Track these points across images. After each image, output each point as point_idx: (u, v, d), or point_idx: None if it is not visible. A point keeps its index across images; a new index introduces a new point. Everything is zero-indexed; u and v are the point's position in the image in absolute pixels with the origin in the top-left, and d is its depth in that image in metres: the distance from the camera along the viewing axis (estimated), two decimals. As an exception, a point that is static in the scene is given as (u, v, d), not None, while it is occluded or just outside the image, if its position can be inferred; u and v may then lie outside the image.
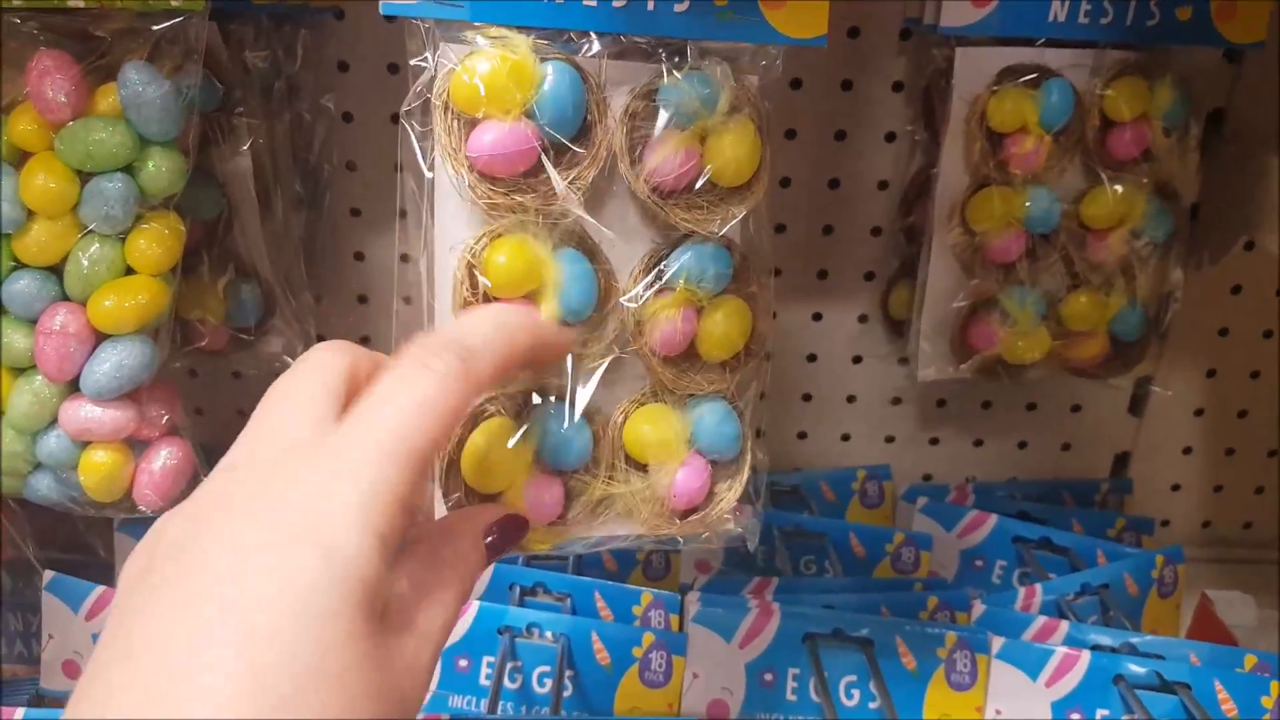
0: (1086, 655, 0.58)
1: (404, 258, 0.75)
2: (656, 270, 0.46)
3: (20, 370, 0.54)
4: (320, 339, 0.68)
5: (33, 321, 0.54)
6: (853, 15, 0.68)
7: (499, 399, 0.45)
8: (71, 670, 0.61)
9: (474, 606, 0.61)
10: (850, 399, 0.82)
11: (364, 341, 0.77)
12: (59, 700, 0.62)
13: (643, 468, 0.48)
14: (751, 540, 0.50)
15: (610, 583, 0.65)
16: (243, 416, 0.73)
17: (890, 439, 0.84)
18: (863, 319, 0.79)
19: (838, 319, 0.79)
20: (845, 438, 0.83)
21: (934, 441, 0.84)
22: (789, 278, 0.77)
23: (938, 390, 0.82)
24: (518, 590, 0.65)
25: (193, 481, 0.56)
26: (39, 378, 0.53)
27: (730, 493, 0.49)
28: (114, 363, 0.52)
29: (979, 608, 0.64)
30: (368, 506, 0.29)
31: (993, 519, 0.74)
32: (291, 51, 0.65)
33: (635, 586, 0.65)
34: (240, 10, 0.59)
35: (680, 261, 0.46)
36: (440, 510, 0.45)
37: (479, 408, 0.45)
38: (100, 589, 0.61)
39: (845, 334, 0.79)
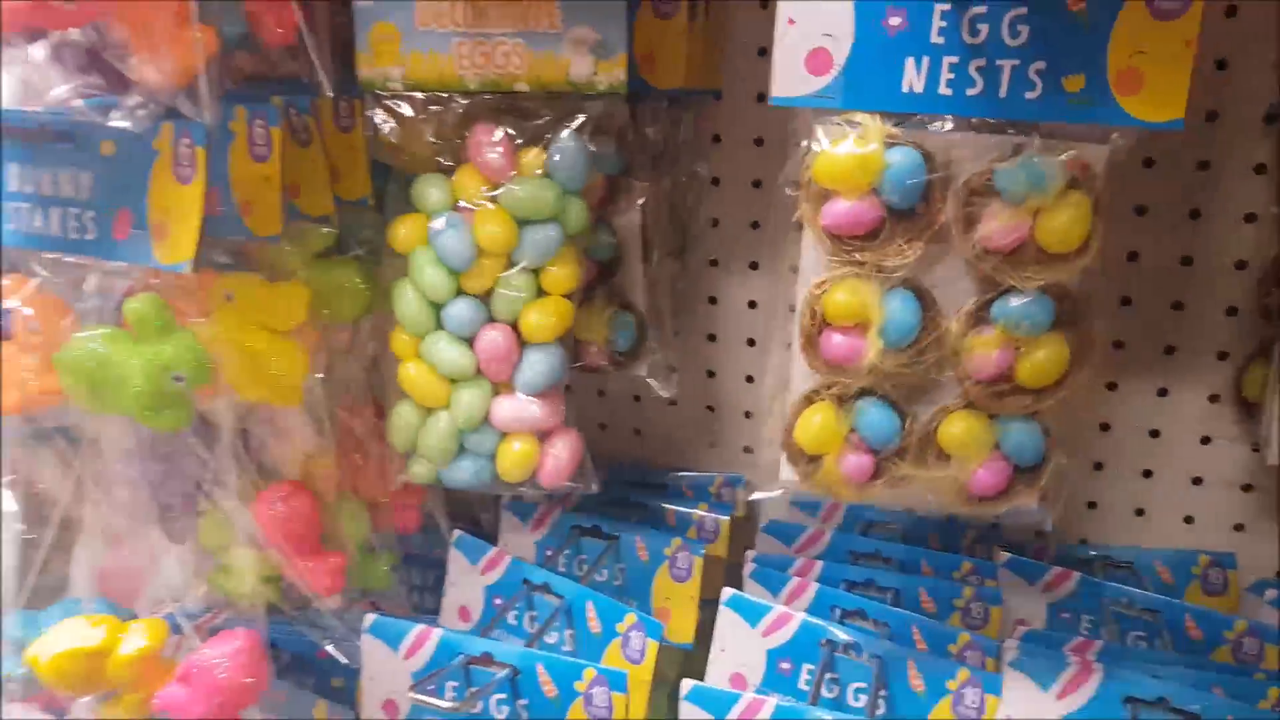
0: None
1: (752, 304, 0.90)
2: (978, 314, 0.58)
3: (454, 380, 0.73)
4: (674, 370, 0.84)
5: (466, 338, 0.72)
6: (1211, 99, 0.74)
7: (827, 390, 0.61)
8: (465, 615, 0.81)
9: (798, 619, 0.72)
10: (1196, 480, 0.84)
11: (710, 376, 0.93)
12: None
13: (949, 459, 0.60)
14: (1045, 522, 0.62)
15: (928, 620, 0.74)
16: (604, 430, 0.94)
17: (1239, 527, 0.85)
18: (1213, 399, 0.82)
19: (1185, 396, 0.82)
20: (1188, 520, 0.86)
21: (1289, 534, 0.84)
22: (1133, 351, 0.82)
23: (1296, 479, 0.83)
24: (839, 612, 0.76)
25: (581, 466, 0.73)
26: (476, 382, 0.72)
27: (1028, 490, 0.59)
28: (540, 364, 0.71)
29: (1328, 708, 0.66)
30: None
31: (1355, 622, 0.74)
32: (678, 126, 0.82)
33: (954, 627, 0.74)
34: (644, 92, 0.76)
35: (1002, 308, 0.57)
36: (786, 470, 0.60)
37: (811, 393, 0.62)
38: (493, 549, 0.81)
39: (1193, 412, 0.82)
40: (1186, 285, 0.80)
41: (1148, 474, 0.85)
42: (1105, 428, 0.85)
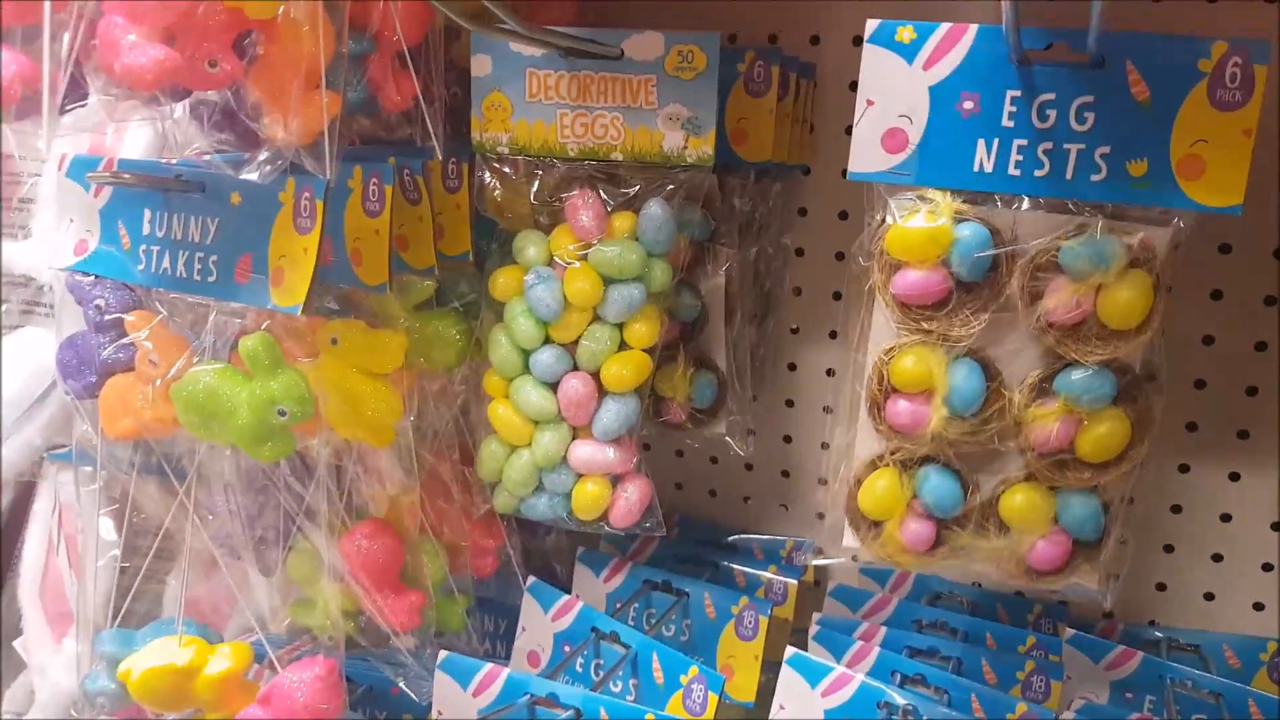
0: None
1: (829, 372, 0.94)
2: (1041, 385, 0.62)
3: (537, 422, 0.79)
4: (751, 433, 0.88)
5: (550, 384, 0.78)
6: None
7: (892, 455, 0.64)
8: (534, 660, 0.85)
9: (857, 680, 0.75)
10: (1266, 567, 0.85)
11: (786, 441, 0.97)
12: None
13: (1009, 530, 0.63)
14: (1107, 600, 0.64)
15: (988, 689, 0.76)
16: (680, 490, 0.99)
17: (1312, 616, 0.86)
18: (1287, 484, 0.84)
19: (1257, 481, 0.84)
20: (1258, 606, 0.86)
21: (1365, 627, 0.85)
22: (1206, 434, 0.84)
23: (1369, 569, 0.84)
24: (899, 677, 0.78)
25: (648, 511, 0.78)
26: (556, 425, 0.77)
27: (1087, 565, 0.61)
28: (617, 412, 0.76)
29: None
30: None
31: None
32: (766, 198, 0.88)
33: (1013, 697, 0.76)
34: (735, 165, 0.82)
35: (1064, 381, 0.61)
36: (849, 536, 0.62)
37: (875, 459, 0.65)
38: (565, 597, 0.85)
39: (1264, 497, 0.84)
40: (1260, 370, 0.82)
41: (1218, 558, 0.87)
42: (1176, 510, 0.86)
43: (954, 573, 0.67)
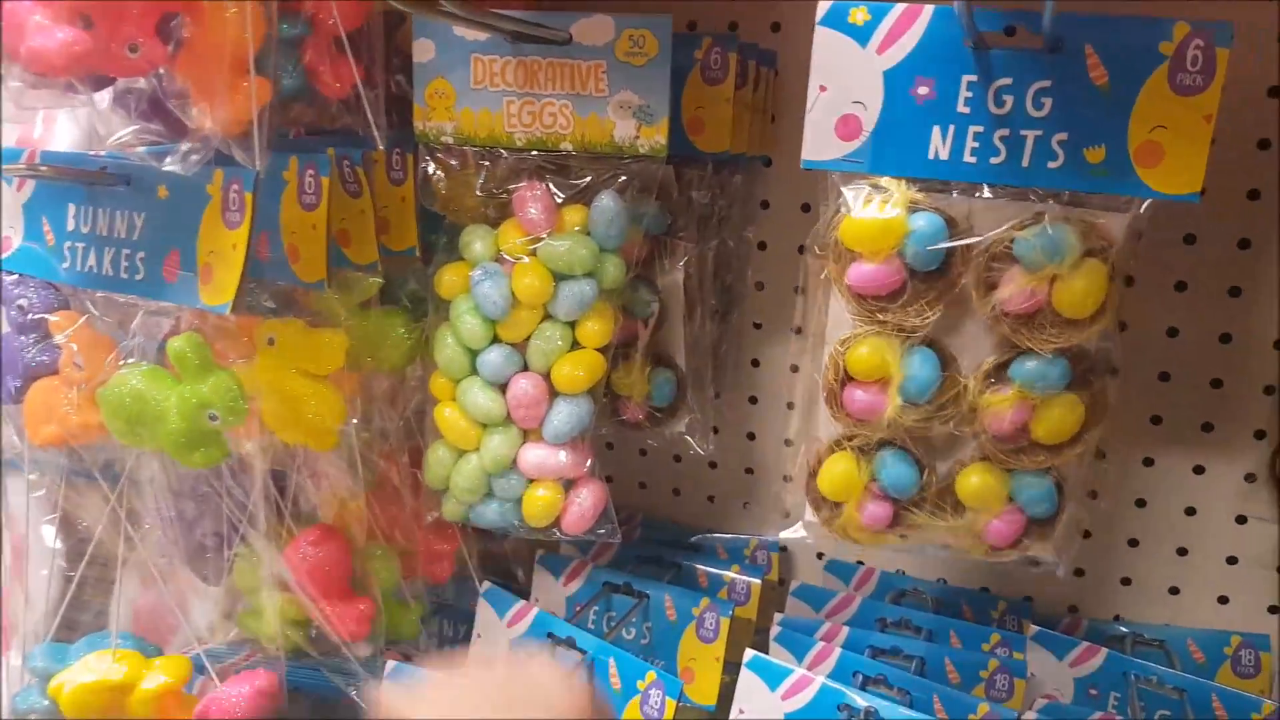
0: None
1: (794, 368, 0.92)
2: (996, 372, 0.61)
3: (485, 425, 0.76)
4: (715, 430, 0.86)
5: (498, 386, 0.75)
6: (1253, 178, 0.75)
7: (849, 441, 0.65)
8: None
9: (817, 683, 0.74)
10: (1231, 560, 0.85)
11: (750, 439, 0.95)
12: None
13: (965, 510, 0.64)
14: (1060, 569, 0.66)
15: (950, 689, 0.75)
16: (644, 489, 0.96)
17: (1275, 609, 0.85)
18: (1249, 478, 0.83)
19: (1221, 474, 0.83)
20: (1222, 600, 0.86)
21: (1327, 618, 0.85)
22: (1170, 427, 0.83)
23: (1333, 561, 0.83)
24: (860, 678, 0.77)
25: (603, 516, 0.76)
26: (505, 429, 0.75)
27: (1040, 542, 0.63)
28: (568, 414, 0.74)
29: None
30: None
31: (1390, 708, 0.74)
32: (726, 190, 0.86)
33: (976, 697, 0.75)
34: (692, 156, 0.80)
35: (1019, 369, 0.61)
36: (810, 515, 0.65)
37: (834, 443, 0.66)
38: (521, 603, 0.83)
39: (1229, 490, 0.83)
40: (1225, 363, 0.81)
41: (1183, 552, 0.86)
42: (1141, 503, 0.86)
43: (915, 543, 0.67)
